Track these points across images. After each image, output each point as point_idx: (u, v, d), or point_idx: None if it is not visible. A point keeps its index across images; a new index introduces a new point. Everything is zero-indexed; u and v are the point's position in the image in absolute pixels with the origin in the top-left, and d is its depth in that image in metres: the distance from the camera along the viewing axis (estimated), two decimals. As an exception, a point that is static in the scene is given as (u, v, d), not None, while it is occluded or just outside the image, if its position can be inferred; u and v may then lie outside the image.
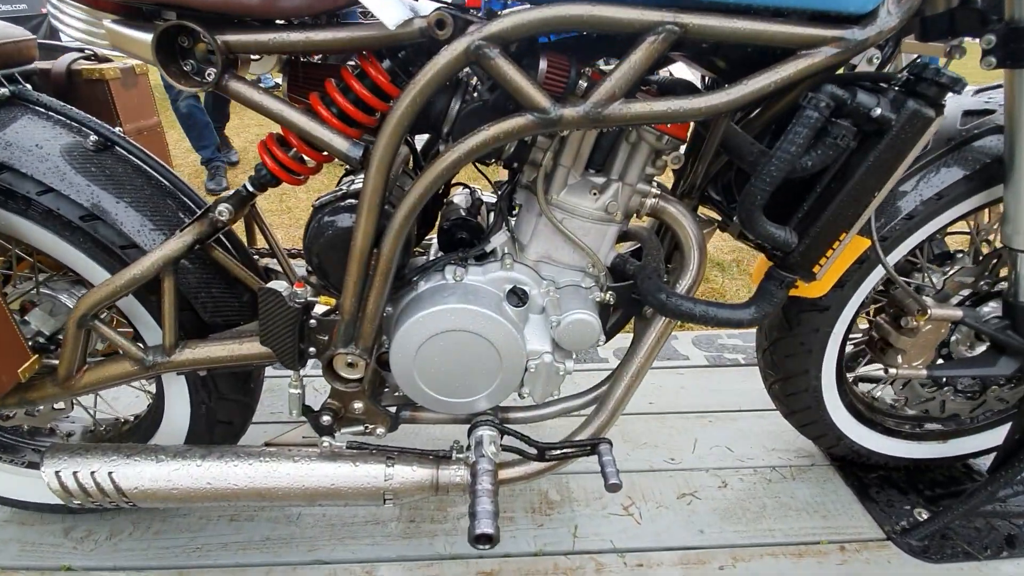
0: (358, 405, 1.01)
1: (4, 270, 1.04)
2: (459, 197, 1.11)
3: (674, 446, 1.47)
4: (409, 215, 0.85)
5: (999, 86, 1.06)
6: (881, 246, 1.01)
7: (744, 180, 0.88)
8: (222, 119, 3.88)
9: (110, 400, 1.35)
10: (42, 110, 0.98)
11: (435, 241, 1.07)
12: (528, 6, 0.73)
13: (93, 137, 0.97)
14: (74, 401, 1.18)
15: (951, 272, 1.16)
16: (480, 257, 0.97)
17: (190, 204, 1.03)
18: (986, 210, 1.14)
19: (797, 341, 1.17)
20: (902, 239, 1.07)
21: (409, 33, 0.76)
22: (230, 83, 0.81)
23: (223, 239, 1.02)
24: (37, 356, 0.98)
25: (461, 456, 1.00)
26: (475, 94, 0.86)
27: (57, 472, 0.95)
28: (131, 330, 1.05)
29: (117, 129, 1.03)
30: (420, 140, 1.12)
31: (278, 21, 0.81)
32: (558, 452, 1.00)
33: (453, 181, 1.05)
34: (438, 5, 0.77)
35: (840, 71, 0.81)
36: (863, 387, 1.36)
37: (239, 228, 1.10)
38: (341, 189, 0.95)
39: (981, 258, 1.17)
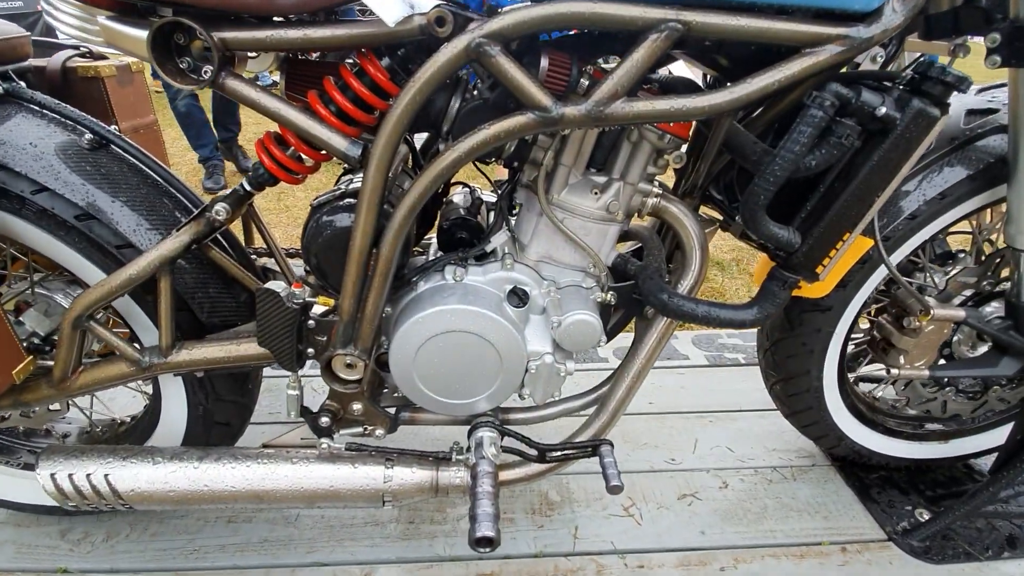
0: (357, 406, 1.00)
1: (-1, 270, 1.03)
2: (459, 196, 1.10)
3: (674, 446, 1.46)
4: (408, 215, 0.84)
5: (1002, 85, 1.06)
6: (884, 246, 1.00)
7: (746, 179, 0.87)
8: (235, 127, 3.63)
9: (106, 401, 1.34)
10: (36, 108, 0.97)
11: (435, 241, 1.06)
12: (529, 3, 0.72)
13: (88, 135, 0.96)
14: (70, 402, 1.17)
15: (953, 272, 1.15)
16: (480, 257, 0.97)
17: (187, 203, 1.02)
18: (988, 210, 1.13)
19: (799, 341, 1.17)
20: (905, 239, 1.06)
21: (409, 30, 0.75)
22: (227, 81, 0.80)
23: (220, 239, 1.01)
24: (32, 357, 0.97)
25: (461, 458, 0.99)
26: (475, 92, 0.86)
27: (53, 474, 0.94)
28: (127, 331, 1.04)
29: (113, 127, 1.02)
30: (419, 139, 1.11)
31: (276, 18, 0.80)
32: (559, 453, 0.99)
33: (453, 180, 1.04)
34: (438, 2, 0.76)
35: (844, 70, 0.81)
36: (864, 387, 1.36)
37: (236, 227, 1.09)
38: (340, 188, 0.94)
39: (984, 258, 1.16)
